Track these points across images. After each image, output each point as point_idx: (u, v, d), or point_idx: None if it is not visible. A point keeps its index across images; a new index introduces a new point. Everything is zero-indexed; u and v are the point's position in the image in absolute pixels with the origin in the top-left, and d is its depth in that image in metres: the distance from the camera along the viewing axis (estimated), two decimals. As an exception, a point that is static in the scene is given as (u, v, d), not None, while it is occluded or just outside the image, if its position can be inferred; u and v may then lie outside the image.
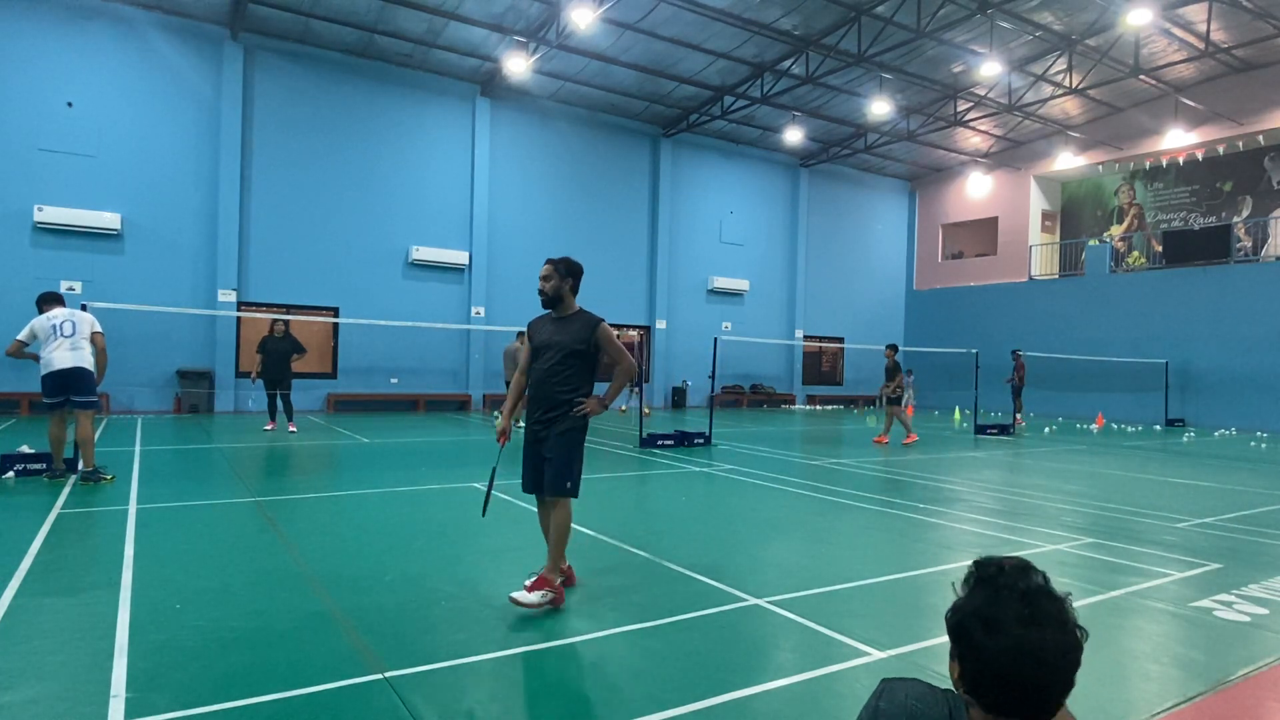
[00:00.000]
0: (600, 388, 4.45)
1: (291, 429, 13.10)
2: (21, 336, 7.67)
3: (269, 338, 13.28)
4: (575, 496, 4.40)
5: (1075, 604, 1.37)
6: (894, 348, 14.01)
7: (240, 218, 17.05)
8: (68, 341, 7.61)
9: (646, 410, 19.75)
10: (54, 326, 7.62)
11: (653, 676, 3.36)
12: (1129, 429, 19.13)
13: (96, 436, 8.44)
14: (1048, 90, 21.16)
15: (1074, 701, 1.48)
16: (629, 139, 22.71)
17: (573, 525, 4.48)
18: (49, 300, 7.93)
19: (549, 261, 4.51)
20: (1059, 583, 4.62)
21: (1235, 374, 20.07)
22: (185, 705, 2.93)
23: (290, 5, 16.20)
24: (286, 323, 13.65)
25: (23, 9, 15.06)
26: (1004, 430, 16.51)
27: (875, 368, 26.90)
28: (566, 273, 4.47)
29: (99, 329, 7.88)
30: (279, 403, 13.20)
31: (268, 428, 13.11)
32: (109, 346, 8.26)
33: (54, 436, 7.80)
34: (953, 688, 1.41)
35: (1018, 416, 19.00)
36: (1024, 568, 1.34)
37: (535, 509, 4.71)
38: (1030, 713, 1.28)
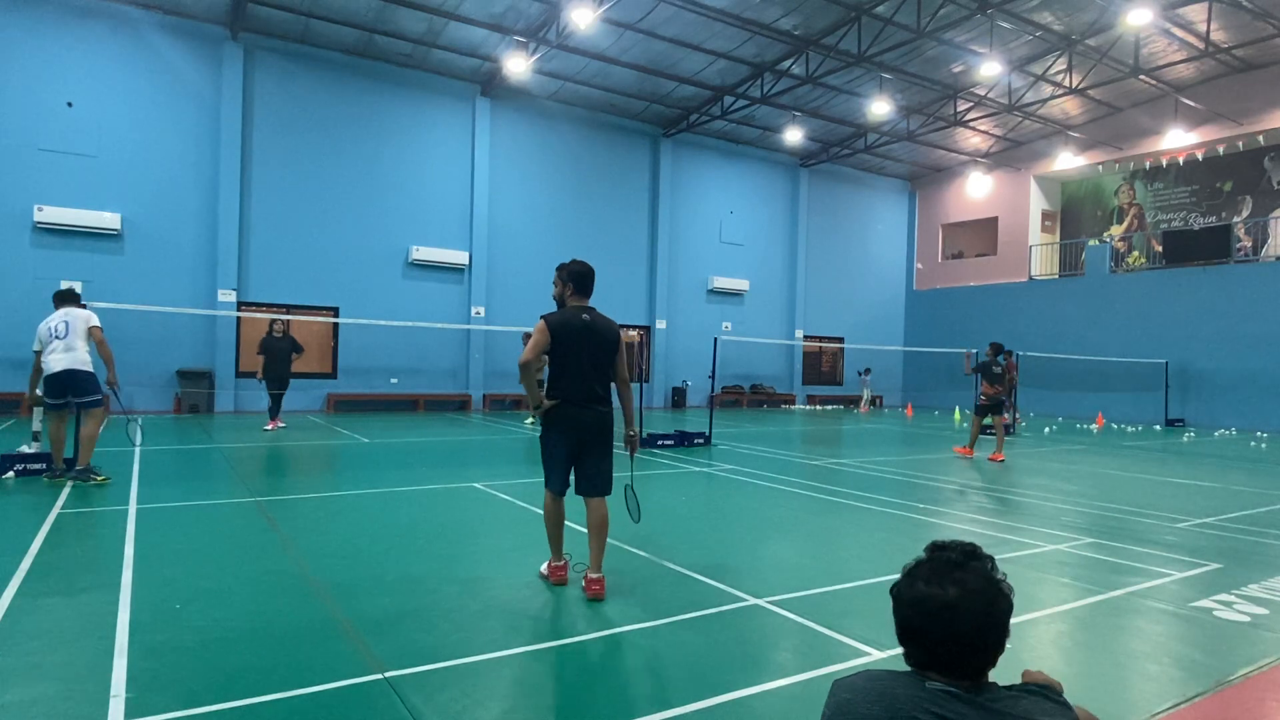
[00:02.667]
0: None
1: (275, 425, 13.27)
2: (35, 347, 7.71)
3: (270, 338, 13.49)
4: (546, 487, 4.67)
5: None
6: (998, 347, 11.93)
7: (240, 218, 17.05)
8: (61, 344, 7.58)
9: None
10: (50, 330, 7.64)
11: (653, 676, 3.36)
12: (1129, 429, 19.12)
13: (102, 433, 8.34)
14: (1048, 90, 21.15)
15: (1074, 700, 1.53)
16: (629, 139, 22.71)
17: (567, 523, 4.81)
18: (58, 300, 7.93)
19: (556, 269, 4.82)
20: (1058, 583, 4.60)
21: (1235, 374, 20.07)
22: (185, 705, 2.93)
23: (290, 5, 16.20)
24: (286, 322, 13.89)
25: (23, 9, 15.06)
26: (1004, 430, 16.48)
27: (876, 367, 26.90)
28: (567, 278, 4.68)
29: (95, 323, 7.73)
30: (266, 401, 13.55)
31: (268, 428, 13.18)
32: (117, 344, 8.23)
33: (53, 436, 7.80)
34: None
35: (1015, 416, 18.99)
36: (962, 547, 1.54)
37: (540, 510, 5.06)
38: (941, 666, 1.47)
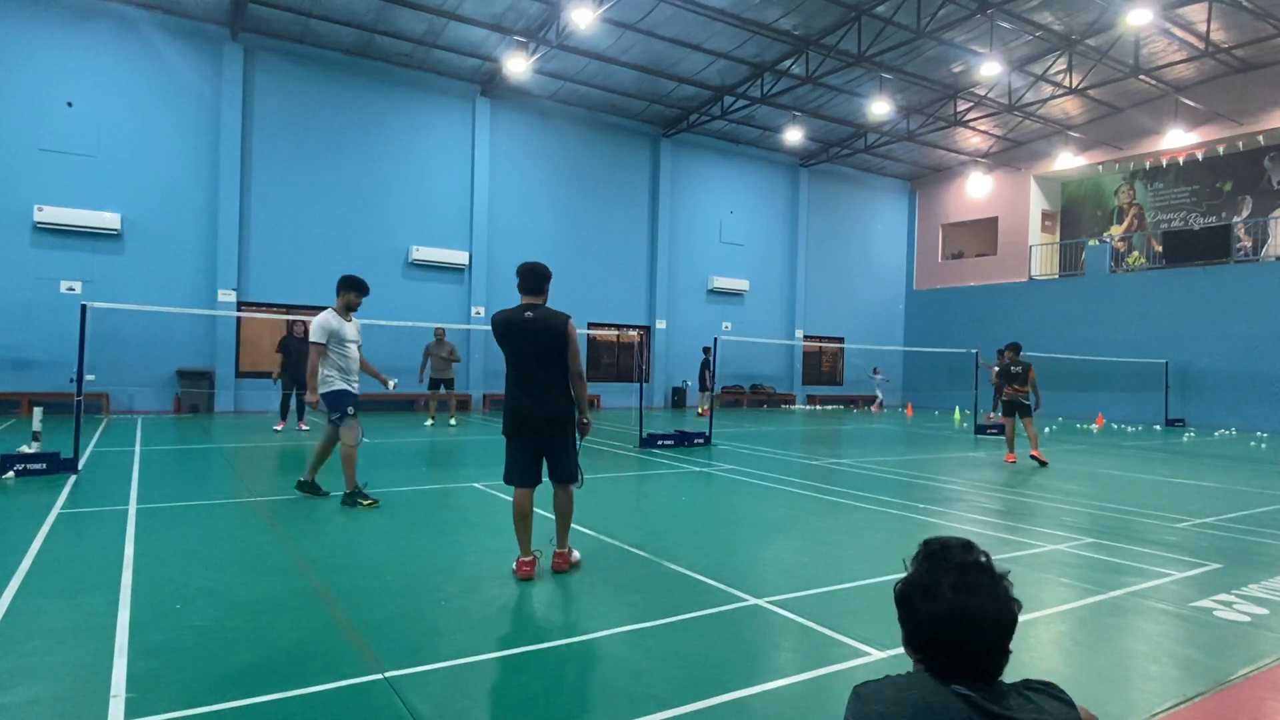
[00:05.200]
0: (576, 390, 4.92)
1: (303, 427, 13.34)
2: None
3: (292, 338, 13.57)
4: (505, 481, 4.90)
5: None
6: (1016, 347, 11.79)
7: (240, 218, 17.04)
8: None
9: (702, 410, 19.38)
10: None
11: (653, 676, 3.36)
12: (1129, 429, 19.12)
13: (97, 435, 8.26)
14: (1048, 90, 21.15)
15: (1074, 700, 1.53)
16: (629, 139, 22.70)
17: (573, 525, 5.09)
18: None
19: None
20: (1058, 583, 4.62)
21: (1235, 374, 20.06)
22: (185, 705, 2.92)
23: (290, 5, 16.19)
24: (305, 323, 14.11)
25: (23, 9, 15.05)
26: (1004, 430, 16.48)
27: (875, 367, 26.89)
28: (517, 277, 4.93)
29: (310, 334, 7.01)
30: (293, 402, 13.59)
31: (278, 428, 13.31)
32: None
33: (317, 447, 7.31)
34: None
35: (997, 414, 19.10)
36: (964, 545, 1.49)
37: (543, 512, 5.27)
38: (965, 673, 1.42)
